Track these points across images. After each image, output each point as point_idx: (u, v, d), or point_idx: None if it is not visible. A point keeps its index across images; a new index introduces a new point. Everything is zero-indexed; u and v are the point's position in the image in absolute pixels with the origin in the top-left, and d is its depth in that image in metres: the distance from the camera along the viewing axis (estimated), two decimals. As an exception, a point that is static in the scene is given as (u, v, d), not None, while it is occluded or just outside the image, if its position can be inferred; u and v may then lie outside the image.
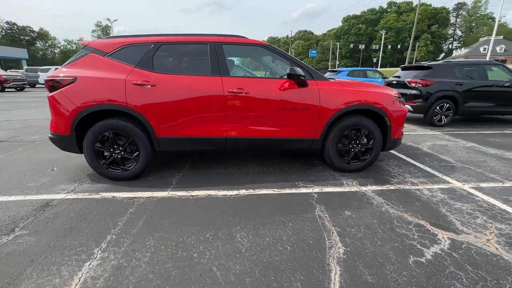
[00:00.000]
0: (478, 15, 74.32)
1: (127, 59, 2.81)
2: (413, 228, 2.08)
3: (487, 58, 21.89)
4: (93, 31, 76.72)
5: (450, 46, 77.52)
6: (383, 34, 56.82)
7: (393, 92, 3.27)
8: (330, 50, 73.18)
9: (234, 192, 2.70)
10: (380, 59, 60.62)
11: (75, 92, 2.69)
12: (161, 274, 1.59)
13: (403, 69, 7.16)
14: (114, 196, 2.60)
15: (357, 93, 3.03)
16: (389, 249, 1.83)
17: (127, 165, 2.93)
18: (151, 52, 2.84)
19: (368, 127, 3.09)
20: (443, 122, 6.18)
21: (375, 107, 3.03)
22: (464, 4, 75.40)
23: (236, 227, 2.09)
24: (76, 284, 1.51)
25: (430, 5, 71.73)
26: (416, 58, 60.79)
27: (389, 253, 1.79)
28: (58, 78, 2.72)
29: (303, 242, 1.91)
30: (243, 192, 2.71)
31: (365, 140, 3.18)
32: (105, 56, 2.81)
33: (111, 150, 2.86)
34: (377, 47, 64.57)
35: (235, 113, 2.88)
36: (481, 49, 55.37)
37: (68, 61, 2.87)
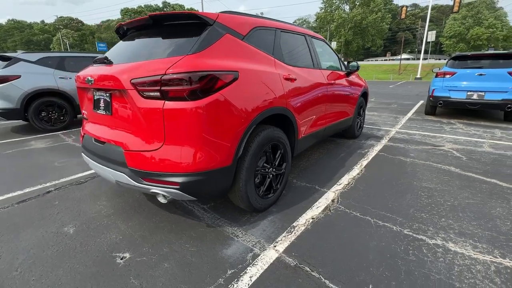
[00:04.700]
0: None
1: (261, 46, 2.08)
2: (445, 151, 3.76)
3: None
4: None
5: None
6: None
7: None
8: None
9: (355, 172, 3.06)
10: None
11: (242, 94, 1.69)
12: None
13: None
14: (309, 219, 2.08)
15: (362, 81, 4.25)
16: (461, 157, 3.37)
17: (275, 185, 2.26)
18: (278, 40, 2.29)
19: (363, 104, 4.46)
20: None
21: (367, 89, 4.43)
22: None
23: (425, 183, 2.70)
24: None
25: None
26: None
27: (462, 158, 3.33)
28: (212, 74, 1.52)
29: (445, 172, 2.97)
30: (358, 168, 3.14)
31: (360, 113, 4.54)
32: (243, 40, 1.90)
33: (267, 169, 2.08)
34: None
35: (329, 103, 3.09)
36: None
37: (197, 45, 1.58)
